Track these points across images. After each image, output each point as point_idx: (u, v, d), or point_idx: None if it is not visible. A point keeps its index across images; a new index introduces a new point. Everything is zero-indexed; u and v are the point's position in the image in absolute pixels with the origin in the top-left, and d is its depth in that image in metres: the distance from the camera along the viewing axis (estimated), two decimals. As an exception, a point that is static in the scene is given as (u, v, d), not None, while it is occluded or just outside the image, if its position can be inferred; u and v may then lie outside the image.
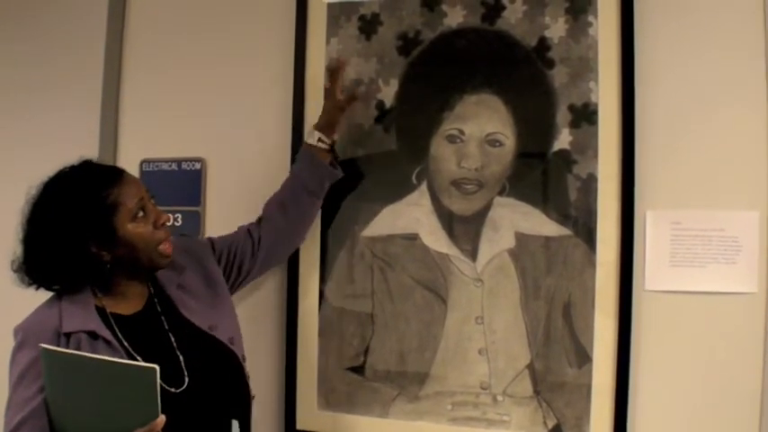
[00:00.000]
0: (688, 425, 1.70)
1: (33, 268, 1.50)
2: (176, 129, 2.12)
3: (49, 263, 1.49)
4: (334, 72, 1.83)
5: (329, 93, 1.84)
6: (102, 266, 1.50)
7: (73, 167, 1.54)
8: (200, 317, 1.60)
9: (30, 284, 1.52)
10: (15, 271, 1.51)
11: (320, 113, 1.85)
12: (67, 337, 1.44)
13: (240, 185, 2.04)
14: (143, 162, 2.11)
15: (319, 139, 1.81)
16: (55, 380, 1.36)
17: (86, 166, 1.55)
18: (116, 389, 1.30)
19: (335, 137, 1.84)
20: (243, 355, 1.64)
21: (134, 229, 1.50)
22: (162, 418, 1.30)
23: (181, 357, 1.52)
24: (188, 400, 1.47)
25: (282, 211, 1.82)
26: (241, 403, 1.61)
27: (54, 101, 2.23)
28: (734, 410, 1.66)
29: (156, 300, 1.60)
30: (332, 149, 1.84)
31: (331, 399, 1.91)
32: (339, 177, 1.84)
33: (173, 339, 1.55)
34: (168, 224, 1.58)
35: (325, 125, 1.82)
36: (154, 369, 1.26)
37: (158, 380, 1.27)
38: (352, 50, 1.92)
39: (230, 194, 2.05)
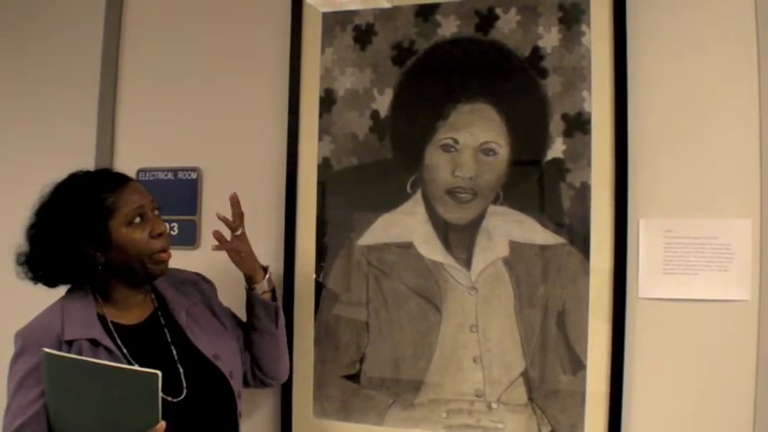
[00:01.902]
0: (682, 431, 1.70)
1: (33, 262, 1.53)
2: (173, 138, 2.13)
3: (47, 259, 1.51)
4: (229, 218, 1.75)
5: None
6: (94, 268, 1.52)
7: (87, 172, 1.58)
8: (206, 345, 1.62)
9: (31, 279, 1.54)
10: (20, 264, 1.54)
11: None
12: (69, 345, 1.46)
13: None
14: (139, 171, 2.11)
15: (250, 290, 1.74)
16: (56, 384, 1.36)
17: (97, 172, 1.60)
18: (117, 394, 1.31)
19: (264, 282, 1.74)
20: (239, 393, 1.64)
21: (128, 234, 1.51)
22: (162, 424, 1.31)
23: (181, 369, 1.54)
24: (184, 411, 1.48)
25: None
26: None
27: (51, 110, 2.23)
28: (727, 417, 1.67)
29: (159, 313, 1.62)
30: (271, 291, 1.76)
31: (326, 406, 1.92)
32: (274, 307, 1.74)
33: (174, 352, 1.56)
34: (165, 234, 1.57)
35: (249, 277, 1.74)
36: (156, 375, 1.27)
37: (160, 386, 1.27)
38: (347, 60, 1.94)
39: (226, 204, 2.04)
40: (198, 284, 1.75)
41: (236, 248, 1.72)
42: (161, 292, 1.65)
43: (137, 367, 1.41)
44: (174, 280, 1.70)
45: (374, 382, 1.88)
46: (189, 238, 2.06)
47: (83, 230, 1.49)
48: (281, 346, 1.78)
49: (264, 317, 1.73)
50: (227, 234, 1.73)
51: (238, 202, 1.73)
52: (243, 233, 1.74)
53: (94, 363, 1.35)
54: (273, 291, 1.77)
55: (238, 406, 1.63)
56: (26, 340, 1.47)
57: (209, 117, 2.09)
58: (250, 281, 1.74)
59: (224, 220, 1.72)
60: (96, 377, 1.32)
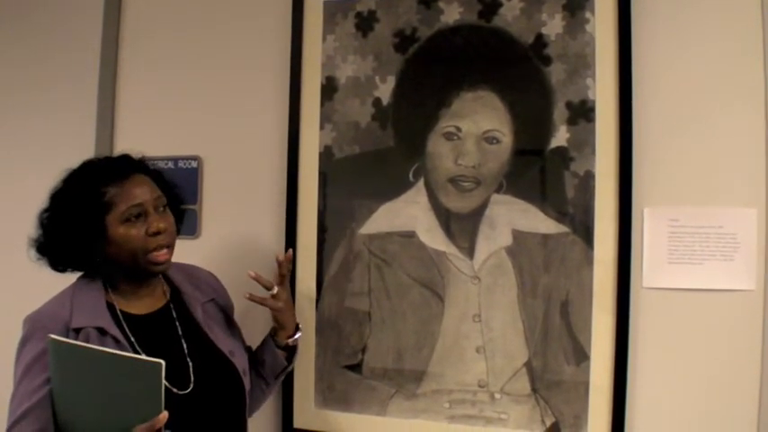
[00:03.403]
0: (686, 422, 1.69)
1: (40, 247, 1.53)
2: (173, 127, 2.12)
3: (50, 245, 1.52)
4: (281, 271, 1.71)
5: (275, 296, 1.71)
6: (93, 260, 1.52)
7: (98, 159, 1.58)
8: (222, 341, 1.62)
9: (38, 260, 1.54)
10: (31, 246, 1.54)
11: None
12: (77, 333, 1.45)
13: (237, 184, 2.04)
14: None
15: (272, 336, 1.73)
16: (61, 371, 1.36)
17: (107, 160, 1.58)
18: (121, 382, 1.30)
19: (288, 341, 1.72)
20: (249, 392, 1.64)
21: (125, 231, 1.49)
22: (164, 414, 1.29)
23: (190, 363, 1.53)
24: (190, 404, 1.48)
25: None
26: None
27: (50, 100, 2.23)
28: (732, 407, 1.66)
29: (172, 306, 1.61)
30: (286, 348, 1.73)
31: (328, 397, 1.91)
32: (283, 367, 1.74)
33: (185, 345, 1.55)
34: (164, 231, 1.52)
35: (278, 327, 1.72)
36: (160, 364, 1.26)
37: (163, 375, 1.26)
38: (349, 47, 1.92)
39: (227, 193, 2.05)
40: (213, 285, 1.75)
41: (269, 306, 1.69)
42: (177, 285, 1.65)
43: (141, 356, 1.40)
44: (190, 275, 1.70)
45: (376, 372, 1.87)
46: (189, 227, 2.04)
47: (81, 223, 1.48)
48: (267, 395, 1.79)
49: (270, 367, 1.72)
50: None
51: (282, 263, 1.69)
52: (280, 291, 1.69)
53: (99, 350, 1.34)
54: (294, 349, 1.74)
55: (248, 404, 1.63)
56: (34, 326, 1.46)
57: (209, 106, 2.08)
58: (274, 331, 1.72)
59: (256, 278, 1.68)
60: (101, 365, 1.31)
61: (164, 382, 1.27)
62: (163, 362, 1.26)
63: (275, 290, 1.68)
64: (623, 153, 1.70)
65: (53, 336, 1.35)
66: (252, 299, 1.67)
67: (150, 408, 1.29)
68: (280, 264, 1.70)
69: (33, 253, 1.54)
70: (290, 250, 1.76)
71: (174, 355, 1.52)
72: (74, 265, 1.55)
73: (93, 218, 1.48)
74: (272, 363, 1.72)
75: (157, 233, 1.51)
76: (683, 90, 1.71)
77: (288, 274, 1.72)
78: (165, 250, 1.53)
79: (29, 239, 1.54)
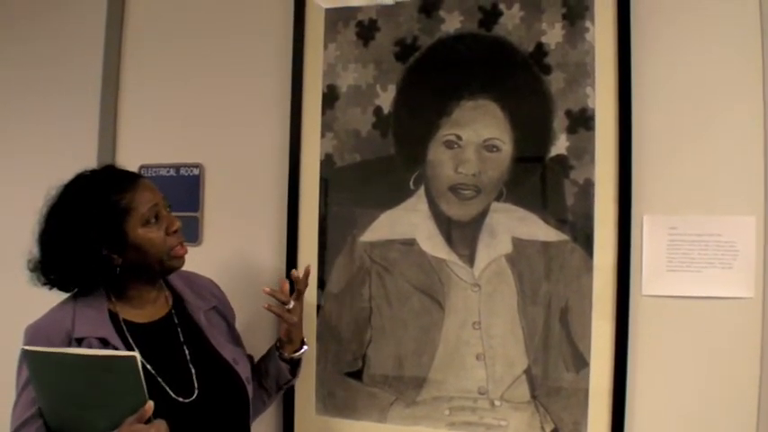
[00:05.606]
0: (685, 429, 1.69)
1: (47, 268, 1.51)
2: (175, 134, 2.13)
3: (62, 264, 1.50)
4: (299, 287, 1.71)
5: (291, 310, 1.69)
6: (112, 270, 1.51)
7: (93, 171, 1.56)
8: (225, 349, 1.62)
9: (44, 284, 1.52)
10: (31, 270, 1.52)
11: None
12: (79, 342, 1.44)
13: (238, 191, 2.04)
14: (141, 168, 2.11)
15: (278, 349, 1.73)
16: (44, 379, 1.36)
17: (105, 170, 1.57)
18: (102, 380, 1.30)
19: (294, 355, 1.72)
20: (252, 399, 1.65)
21: (145, 234, 1.50)
22: (150, 404, 1.30)
23: (193, 370, 1.53)
24: (195, 412, 1.48)
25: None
26: None
27: (53, 106, 2.23)
28: (731, 415, 1.66)
29: (174, 313, 1.61)
30: (290, 361, 1.73)
31: (329, 404, 1.91)
32: (287, 380, 1.75)
33: (187, 352, 1.56)
34: (179, 229, 1.57)
35: (285, 341, 1.72)
36: (134, 357, 1.27)
37: (140, 367, 1.27)
38: (350, 56, 1.93)
39: (228, 200, 2.06)
40: (214, 293, 1.75)
41: (285, 319, 1.68)
42: (178, 292, 1.65)
43: (115, 352, 1.39)
44: (191, 282, 1.70)
45: (377, 379, 1.87)
46: (191, 234, 2.05)
47: (99, 233, 1.47)
48: (267, 406, 1.80)
49: (273, 378, 1.73)
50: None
51: (300, 279, 1.69)
52: (296, 306, 1.69)
53: (73, 354, 1.34)
54: (297, 363, 1.75)
55: (251, 412, 1.64)
56: (35, 335, 1.45)
57: (211, 113, 2.08)
58: (280, 343, 1.73)
59: (271, 294, 1.67)
60: (78, 367, 1.31)
61: (141, 372, 1.28)
62: (137, 354, 1.27)
63: (291, 304, 1.68)
64: (623, 161, 1.71)
65: (26, 347, 1.35)
66: (270, 309, 1.66)
67: (135, 399, 1.30)
68: (296, 280, 1.69)
69: (36, 275, 1.52)
70: (309, 265, 1.73)
71: (177, 364, 1.52)
72: (89, 279, 1.52)
73: (112, 226, 1.48)
74: (277, 375, 1.73)
75: (176, 231, 1.55)
76: (682, 98, 1.72)
77: (304, 290, 1.71)
78: (182, 246, 1.57)
79: (29, 262, 1.52)
